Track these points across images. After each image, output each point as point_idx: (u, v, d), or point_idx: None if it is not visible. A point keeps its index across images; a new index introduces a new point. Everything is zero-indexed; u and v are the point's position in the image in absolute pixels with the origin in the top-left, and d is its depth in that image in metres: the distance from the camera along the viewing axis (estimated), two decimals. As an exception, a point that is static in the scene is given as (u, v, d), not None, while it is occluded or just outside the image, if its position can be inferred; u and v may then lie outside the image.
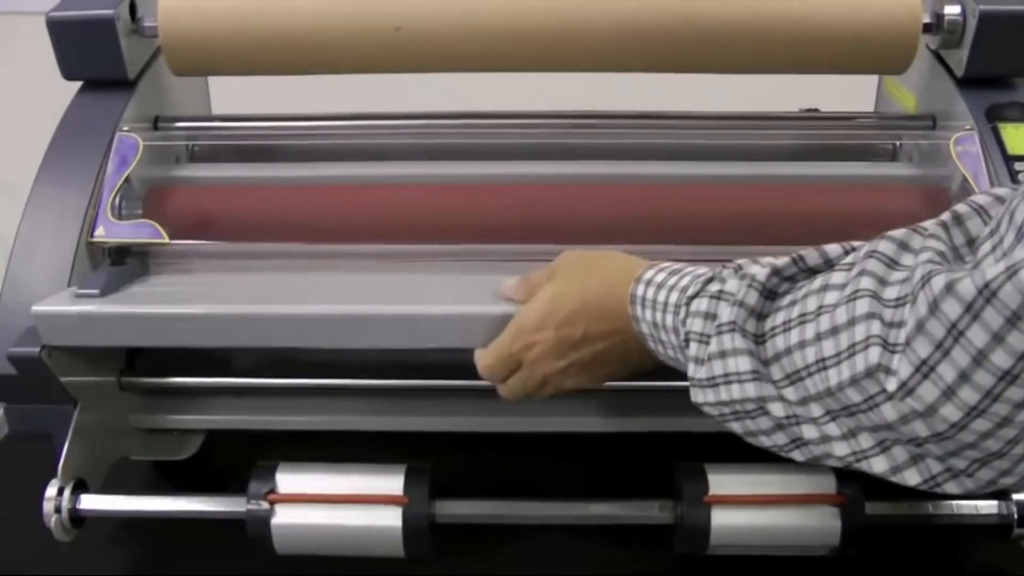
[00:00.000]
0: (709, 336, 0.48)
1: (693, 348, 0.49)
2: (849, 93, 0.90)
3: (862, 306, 0.40)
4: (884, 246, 0.42)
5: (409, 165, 0.77)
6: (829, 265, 0.46)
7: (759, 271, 0.47)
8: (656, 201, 0.74)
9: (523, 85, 0.84)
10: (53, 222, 0.68)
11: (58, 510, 0.61)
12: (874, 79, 0.93)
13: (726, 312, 0.47)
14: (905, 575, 0.68)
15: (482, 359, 0.61)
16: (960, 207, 0.41)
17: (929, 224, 0.42)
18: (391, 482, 0.61)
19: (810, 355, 0.42)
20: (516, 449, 0.73)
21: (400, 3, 0.72)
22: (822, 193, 0.75)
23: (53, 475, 0.62)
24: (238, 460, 0.66)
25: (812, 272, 0.46)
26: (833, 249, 0.46)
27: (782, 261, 0.46)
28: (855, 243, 0.46)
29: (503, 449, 0.72)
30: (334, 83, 0.79)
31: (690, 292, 0.50)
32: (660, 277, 0.53)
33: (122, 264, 0.68)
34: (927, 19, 0.75)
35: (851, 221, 0.73)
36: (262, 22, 0.73)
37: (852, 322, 0.40)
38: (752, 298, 0.46)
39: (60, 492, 0.62)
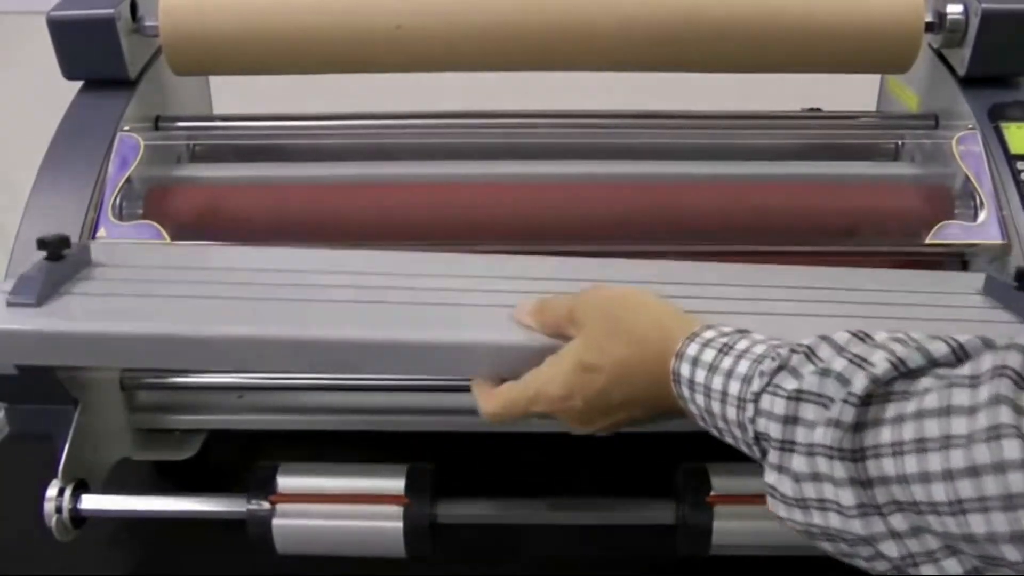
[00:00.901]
0: (792, 444, 0.42)
1: (773, 456, 0.43)
2: (851, 92, 0.90)
3: (1012, 449, 0.35)
4: (1013, 359, 0.37)
5: (411, 165, 0.77)
6: (933, 364, 0.40)
7: (852, 375, 0.40)
8: (658, 200, 0.74)
9: (524, 84, 0.84)
10: (53, 222, 0.68)
11: (59, 510, 0.61)
12: (876, 78, 0.92)
13: (820, 430, 0.40)
14: None
15: (489, 404, 0.54)
16: None
17: None
18: (392, 482, 0.61)
19: (939, 492, 0.37)
20: (517, 449, 0.72)
21: (401, 1, 0.72)
22: (825, 192, 0.75)
23: (54, 475, 0.62)
24: (238, 460, 0.66)
25: (914, 374, 0.40)
26: (938, 348, 0.40)
27: (880, 366, 0.39)
28: (961, 338, 0.40)
29: (505, 449, 0.72)
30: (335, 83, 0.78)
31: (755, 386, 0.44)
32: (708, 356, 0.47)
33: (61, 258, 0.59)
34: (929, 18, 0.75)
35: (854, 220, 0.73)
36: (263, 21, 0.72)
37: (1002, 467, 0.35)
38: (849, 415, 0.39)
39: (61, 492, 0.62)
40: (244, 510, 0.61)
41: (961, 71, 0.75)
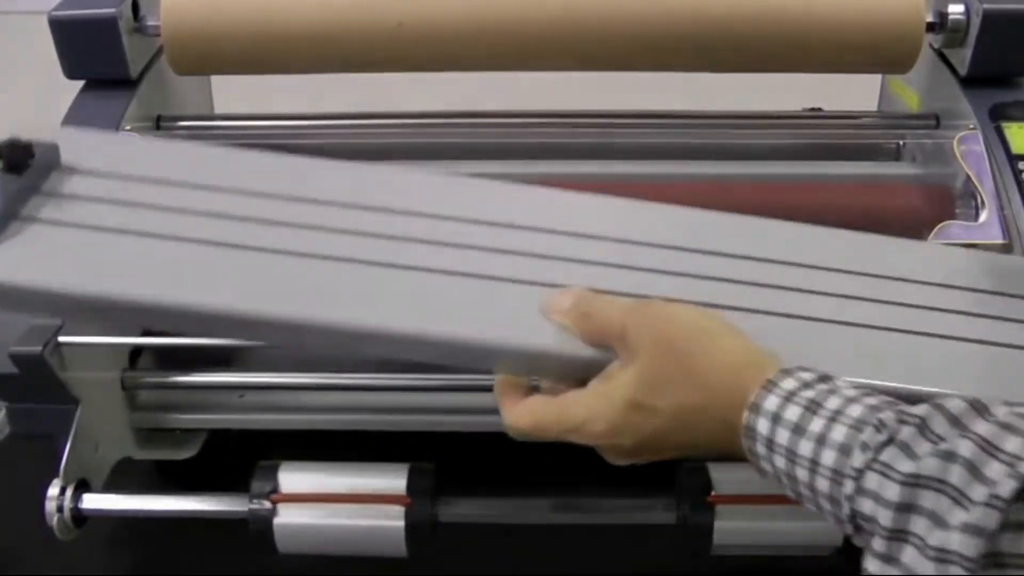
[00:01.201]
0: (906, 534, 0.36)
1: (879, 543, 0.37)
2: (852, 92, 0.90)
3: None
4: None
5: (413, 164, 0.77)
6: None
7: (984, 465, 0.35)
8: (658, 200, 0.74)
9: (526, 83, 0.84)
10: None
11: (60, 510, 0.61)
12: (877, 78, 0.92)
13: (956, 537, 0.35)
14: (908, 575, 0.68)
15: (517, 418, 0.49)
16: None
17: None
18: (394, 482, 0.61)
19: None
20: (519, 449, 0.72)
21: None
22: (825, 192, 0.75)
23: (55, 475, 0.62)
24: (240, 459, 0.66)
25: None
26: None
27: None
28: None
29: (506, 448, 0.72)
30: (337, 82, 0.78)
31: (857, 461, 0.38)
32: (791, 414, 0.41)
33: (25, 167, 0.47)
34: (931, 18, 0.75)
35: (854, 220, 0.73)
36: (264, 21, 0.72)
37: None
38: (993, 521, 0.34)
39: (62, 492, 0.62)
40: (246, 509, 0.61)
41: (962, 71, 0.75)
